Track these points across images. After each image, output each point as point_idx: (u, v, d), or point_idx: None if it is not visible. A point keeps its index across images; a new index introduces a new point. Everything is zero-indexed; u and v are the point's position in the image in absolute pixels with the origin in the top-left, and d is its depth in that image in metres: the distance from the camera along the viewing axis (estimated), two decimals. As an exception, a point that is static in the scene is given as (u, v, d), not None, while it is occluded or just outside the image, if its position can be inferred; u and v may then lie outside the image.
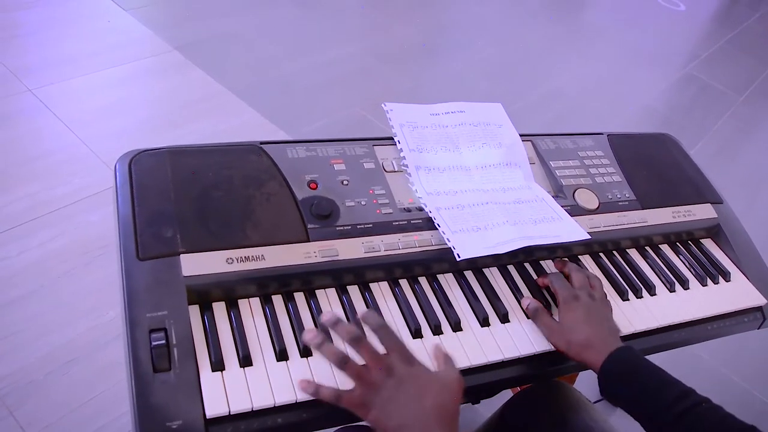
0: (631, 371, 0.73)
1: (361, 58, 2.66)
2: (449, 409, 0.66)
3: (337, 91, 2.40)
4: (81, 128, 1.90)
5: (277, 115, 2.16)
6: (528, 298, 0.82)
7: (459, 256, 0.79)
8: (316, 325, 0.73)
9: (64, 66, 2.13)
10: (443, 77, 2.70)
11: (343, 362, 0.65)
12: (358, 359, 0.67)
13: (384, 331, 0.68)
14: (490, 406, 0.99)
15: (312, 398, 0.66)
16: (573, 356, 0.76)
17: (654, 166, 1.10)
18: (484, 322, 0.80)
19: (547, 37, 3.30)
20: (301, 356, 0.70)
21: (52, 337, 1.36)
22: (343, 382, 0.67)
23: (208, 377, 0.65)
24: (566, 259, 0.91)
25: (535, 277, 0.89)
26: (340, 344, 0.69)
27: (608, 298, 0.89)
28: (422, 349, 0.74)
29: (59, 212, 1.64)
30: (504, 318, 0.81)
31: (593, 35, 3.51)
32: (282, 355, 0.69)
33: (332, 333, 0.69)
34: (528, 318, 0.82)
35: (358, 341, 0.67)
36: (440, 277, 0.84)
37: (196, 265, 0.70)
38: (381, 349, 0.68)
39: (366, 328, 0.70)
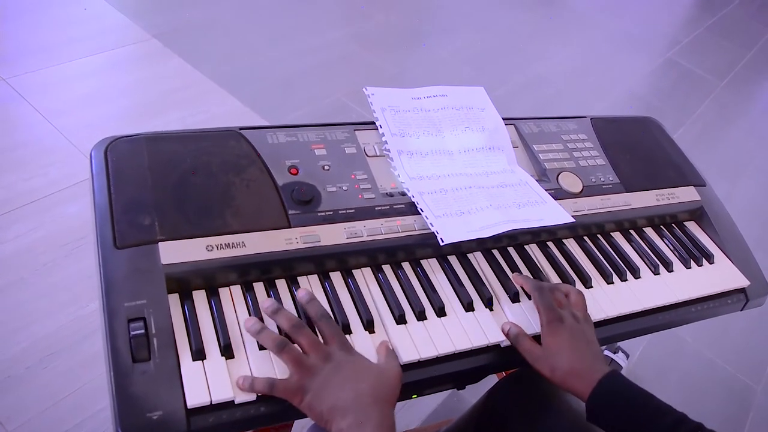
0: (621, 399, 0.70)
1: (343, 45, 2.63)
2: (384, 394, 0.65)
3: (319, 79, 2.37)
4: (58, 118, 1.86)
5: (259, 103, 2.14)
6: (508, 323, 0.77)
7: (442, 241, 0.78)
8: (298, 313, 0.72)
9: (40, 54, 2.08)
10: (426, 64, 2.68)
11: (281, 347, 0.65)
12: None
13: (325, 321, 0.68)
14: (475, 392, 0.99)
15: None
16: (558, 383, 0.73)
17: (637, 149, 1.09)
18: (469, 306, 0.79)
19: (530, 23, 3.29)
20: (284, 344, 0.68)
21: (31, 329, 1.33)
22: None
23: (188, 367, 0.63)
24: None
25: (519, 261, 0.88)
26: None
27: (593, 281, 0.89)
28: (406, 335, 0.73)
29: (37, 204, 1.61)
30: (488, 302, 0.80)
31: (575, 21, 3.51)
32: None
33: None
34: (513, 302, 0.82)
35: (298, 328, 0.67)
36: (424, 262, 0.83)
37: (175, 252, 0.69)
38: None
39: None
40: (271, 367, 0.66)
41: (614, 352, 1.54)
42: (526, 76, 2.78)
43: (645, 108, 2.77)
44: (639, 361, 1.62)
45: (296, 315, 0.70)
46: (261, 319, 0.69)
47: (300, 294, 0.71)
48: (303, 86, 2.31)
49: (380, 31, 2.85)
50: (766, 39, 3.81)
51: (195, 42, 2.37)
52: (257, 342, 0.67)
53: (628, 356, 1.57)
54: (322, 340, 0.68)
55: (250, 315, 0.70)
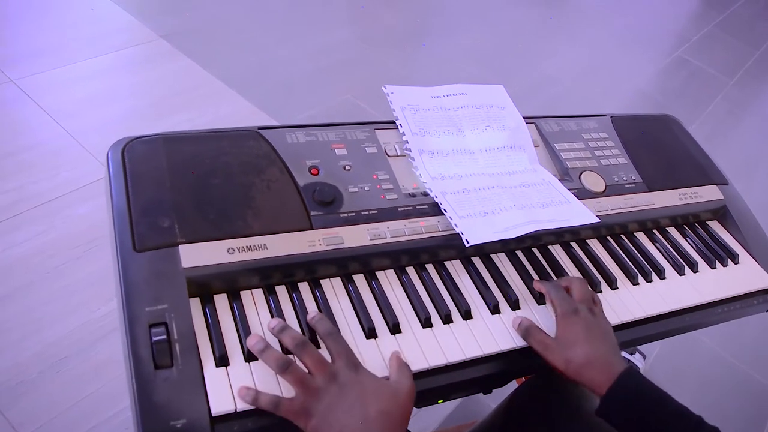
0: (638, 398, 0.68)
1: (352, 44, 2.62)
2: (395, 417, 0.62)
3: (327, 79, 2.36)
4: (66, 119, 1.85)
5: (268, 103, 2.12)
6: (519, 317, 0.76)
7: (468, 242, 0.76)
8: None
9: (47, 55, 2.07)
10: (434, 63, 2.66)
11: (284, 367, 0.61)
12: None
13: (333, 338, 0.65)
14: (493, 394, 0.97)
15: None
16: (572, 376, 0.70)
17: (658, 147, 1.08)
18: (495, 309, 0.77)
19: (537, 22, 3.27)
20: (309, 349, 0.67)
21: (43, 334, 1.32)
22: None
23: (212, 373, 0.62)
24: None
25: (543, 262, 0.87)
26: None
27: (618, 282, 0.87)
28: (432, 338, 0.72)
29: (46, 206, 1.59)
30: (515, 305, 0.79)
31: (582, 19, 3.48)
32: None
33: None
34: (539, 304, 0.80)
35: (302, 347, 0.63)
36: (447, 263, 0.81)
37: (196, 255, 0.67)
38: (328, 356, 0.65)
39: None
40: (296, 373, 0.64)
41: (631, 354, 1.52)
42: (535, 75, 2.76)
43: (655, 106, 2.75)
44: (655, 361, 1.60)
45: (304, 332, 0.67)
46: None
47: (309, 316, 0.68)
48: (312, 86, 2.29)
49: (388, 30, 2.83)
50: (775, 37, 3.79)
51: (203, 42, 2.35)
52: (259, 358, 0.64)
53: (645, 357, 1.55)
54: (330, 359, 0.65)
55: (273, 318, 0.68)
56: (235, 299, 0.69)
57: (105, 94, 2.00)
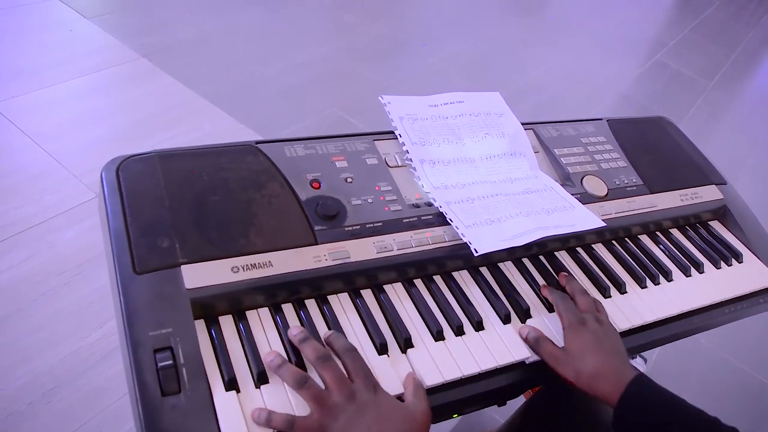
0: (651, 404, 0.67)
1: (335, 58, 2.61)
2: None
3: (312, 93, 2.34)
4: (48, 142, 1.81)
5: (253, 119, 2.10)
6: (526, 327, 0.74)
7: (476, 252, 0.74)
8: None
9: (27, 78, 2.03)
10: (418, 73, 2.66)
11: (301, 383, 0.60)
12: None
13: (350, 355, 0.63)
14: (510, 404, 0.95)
15: None
16: (584, 387, 0.69)
17: (656, 149, 1.07)
18: (506, 319, 0.75)
19: (518, 31, 3.29)
20: (320, 368, 0.64)
21: (32, 364, 1.28)
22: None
23: (222, 398, 0.59)
24: (568, 274, 0.83)
25: (550, 269, 0.85)
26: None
27: (627, 286, 0.86)
28: (445, 352, 0.70)
29: (30, 231, 1.55)
30: (526, 314, 0.77)
31: (564, 26, 3.51)
32: (299, 368, 0.63)
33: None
34: (550, 312, 0.79)
35: (323, 361, 0.62)
36: (455, 274, 0.80)
37: (200, 276, 0.64)
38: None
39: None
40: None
41: (632, 358, 1.51)
42: (520, 82, 2.77)
43: (639, 110, 2.77)
44: (656, 364, 1.59)
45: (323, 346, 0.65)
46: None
47: (325, 334, 0.66)
48: (297, 101, 2.27)
49: (371, 43, 2.83)
50: (749, 39, 3.86)
51: (185, 61, 2.33)
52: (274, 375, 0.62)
53: (645, 361, 1.54)
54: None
55: (281, 338, 0.66)
56: (241, 320, 0.66)
57: (87, 115, 1.97)
